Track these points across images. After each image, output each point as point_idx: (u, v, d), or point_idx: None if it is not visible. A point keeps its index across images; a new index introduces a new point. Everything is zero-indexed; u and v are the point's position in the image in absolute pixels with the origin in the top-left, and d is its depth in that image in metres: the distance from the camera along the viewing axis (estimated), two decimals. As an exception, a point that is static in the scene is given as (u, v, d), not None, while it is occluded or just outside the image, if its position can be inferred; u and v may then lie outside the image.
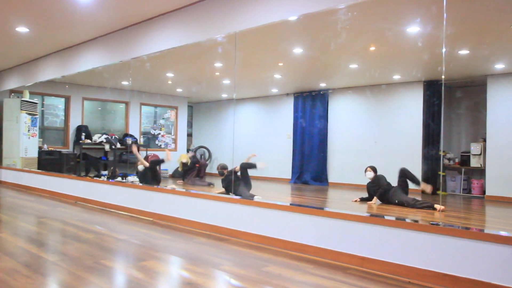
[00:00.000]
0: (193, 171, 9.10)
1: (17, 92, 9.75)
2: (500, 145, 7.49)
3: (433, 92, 8.13)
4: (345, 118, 9.65)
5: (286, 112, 10.69)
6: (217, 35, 4.91)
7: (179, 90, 11.24)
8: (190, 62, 7.36)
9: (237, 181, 6.36)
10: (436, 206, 5.73)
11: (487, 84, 7.65)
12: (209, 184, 8.76)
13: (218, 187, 7.56)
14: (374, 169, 6.62)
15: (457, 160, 8.46)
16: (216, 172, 7.12)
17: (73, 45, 7.47)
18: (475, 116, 8.43)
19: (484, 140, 7.82)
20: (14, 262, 3.16)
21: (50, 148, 9.70)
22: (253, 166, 6.56)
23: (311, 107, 10.13)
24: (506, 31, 5.27)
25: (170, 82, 10.10)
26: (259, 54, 6.76)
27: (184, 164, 9.14)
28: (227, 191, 6.47)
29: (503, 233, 2.77)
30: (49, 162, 9.30)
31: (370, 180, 6.61)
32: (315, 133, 9.99)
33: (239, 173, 6.42)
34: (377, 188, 6.41)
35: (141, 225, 4.99)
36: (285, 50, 6.51)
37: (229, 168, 6.70)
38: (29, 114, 9.37)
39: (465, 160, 8.24)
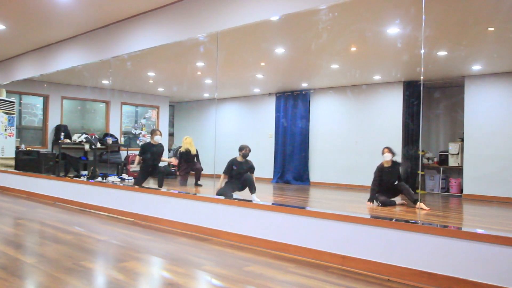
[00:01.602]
0: (188, 165, 8.59)
1: (-7, 90, 9.54)
2: (477, 144, 7.65)
3: (412, 92, 8.25)
4: (326, 118, 9.72)
5: (268, 112, 10.71)
6: (199, 34, 4.89)
7: (160, 89, 11.15)
8: (171, 61, 7.31)
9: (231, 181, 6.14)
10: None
11: (464, 85, 7.80)
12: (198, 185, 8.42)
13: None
14: (392, 151, 6.12)
15: (435, 160, 8.61)
16: (202, 172, 7.04)
17: (52, 43, 7.34)
18: (453, 116, 8.59)
19: (462, 140, 7.98)
20: (-10, 265, 3.09)
21: (28, 148, 9.51)
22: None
23: (292, 107, 10.18)
24: (483, 33, 5.38)
25: (151, 81, 10.01)
26: (241, 54, 6.76)
27: (187, 153, 8.48)
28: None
29: (480, 231, 2.84)
30: (27, 162, 9.11)
31: (387, 165, 6.19)
32: (297, 132, 10.04)
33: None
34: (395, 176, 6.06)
35: (122, 225, 4.94)
36: (267, 50, 6.52)
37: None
38: (6, 113, 9.16)
39: (443, 159, 8.39)
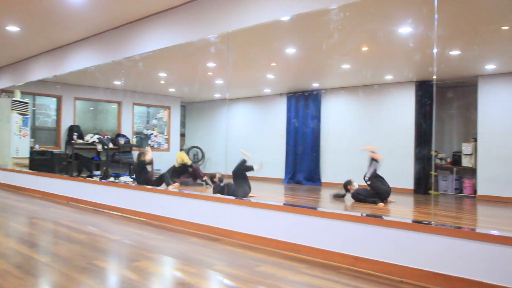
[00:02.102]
0: (186, 173, 8.98)
1: (8, 92, 9.68)
2: (491, 145, 7.55)
3: (424, 92, 8.18)
4: (337, 118, 9.69)
5: (279, 112, 10.71)
6: (210, 35, 4.91)
7: (171, 90, 11.21)
8: (183, 62, 7.35)
9: (232, 188, 6.22)
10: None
11: (478, 85, 7.71)
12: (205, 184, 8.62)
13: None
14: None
15: (448, 160, 8.53)
16: (211, 172, 7.09)
17: (64, 44, 7.43)
18: (466, 116, 8.50)
19: (475, 140, 7.88)
20: (6, 264, 3.14)
21: (41, 148, 9.64)
22: (249, 168, 6.39)
23: (304, 107, 10.16)
24: (497, 32, 5.32)
25: (162, 82, 10.07)
26: (252, 54, 6.77)
27: (182, 164, 8.89)
28: None
29: (494, 232, 2.80)
30: (40, 162, 9.23)
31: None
32: (308, 133, 10.02)
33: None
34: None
35: (134, 225, 4.97)
36: (278, 50, 6.52)
37: (220, 174, 6.65)
38: (21, 114, 9.29)
39: (456, 160, 8.30)
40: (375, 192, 6.43)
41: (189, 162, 8.83)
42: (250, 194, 6.28)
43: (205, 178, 8.69)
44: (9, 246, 3.75)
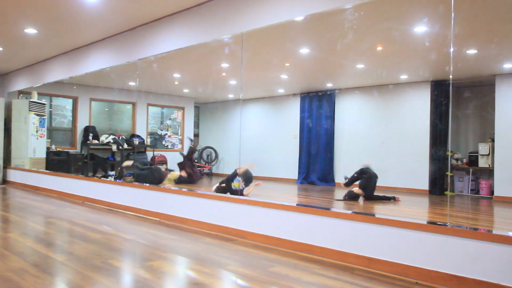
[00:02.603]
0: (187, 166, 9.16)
1: (25, 93, 9.84)
2: (508, 145, 7.43)
3: (440, 92, 8.08)
4: (352, 118, 9.62)
5: (292, 112, 10.69)
6: (224, 35, 4.92)
7: (185, 90, 11.27)
8: (196, 62, 7.38)
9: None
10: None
11: (495, 84, 7.59)
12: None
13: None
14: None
15: (465, 161, 8.41)
16: (224, 172, 7.13)
17: (80, 46, 7.52)
18: (483, 116, 8.36)
19: (493, 140, 7.76)
20: (23, 262, 3.19)
21: (58, 149, 9.77)
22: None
23: (317, 107, 10.12)
24: (515, 30, 5.22)
25: (176, 82, 10.13)
26: (266, 55, 6.76)
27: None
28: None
29: (511, 234, 2.75)
30: (57, 162, 9.36)
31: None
32: (322, 133, 9.97)
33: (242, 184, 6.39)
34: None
35: (148, 225, 5.01)
36: (292, 50, 6.51)
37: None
38: (37, 115, 9.44)
39: (473, 160, 8.18)
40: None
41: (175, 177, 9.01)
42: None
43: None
44: (26, 245, 3.81)
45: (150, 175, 7.10)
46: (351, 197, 6.73)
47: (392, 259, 3.19)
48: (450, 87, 3.89)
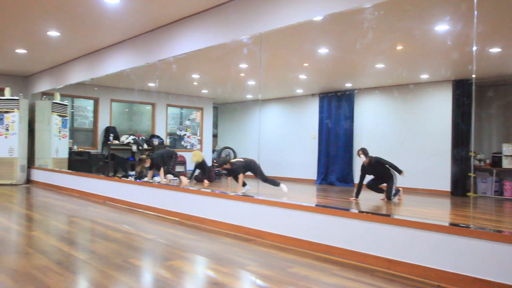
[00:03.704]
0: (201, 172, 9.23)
1: (48, 94, 10.04)
2: (533, 145, 7.24)
3: (462, 91, 7.94)
4: (371, 119, 9.53)
5: (311, 113, 10.64)
6: (242, 36, 4.93)
7: (204, 91, 11.33)
8: (215, 63, 7.42)
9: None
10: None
11: (520, 83, 7.42)
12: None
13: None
14: (365, 153, 6.63)
15: (488, 161, 8.24)
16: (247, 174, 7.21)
17: (101, 48, 7.64)
18: (507, 115, 8.18)
19: (517, 141, 7.58)
20: (47, 260, 3.26)
21: (79, 149, 9.94)
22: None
23: (336, 108, 10.05)
24: (540, 28, 5.10)
25: (195, 83, 10.19)
26: (284, 55, 6.75)
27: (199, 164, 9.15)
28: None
29: (537, 236, 2.68)
30: (78, 162, 9.53)
31: (366, 164, 6.60)
32: (341, 133, 9.90)
33: None
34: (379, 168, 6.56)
35: (168, 225, 5.05)
36: (311, 50, 6.48)
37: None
38: (60, 115, 9.63)
39: (496, 161, 8.01)
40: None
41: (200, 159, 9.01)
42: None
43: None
44: (49, 243, 3.89)
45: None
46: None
47: (413, 261, 3.15)
48: (473, 86, 3.80)
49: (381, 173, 6.57)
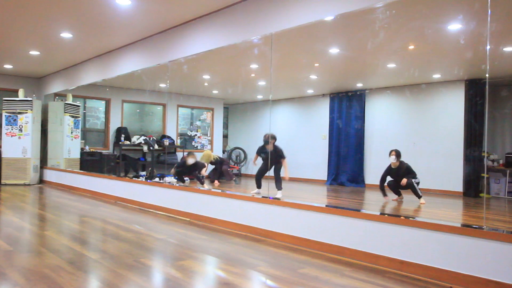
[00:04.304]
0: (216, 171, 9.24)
1: (61, 95, 10.15)
2: (548, 146, 7.13)
3: (475, 91, 7.84)
4: (382, 119, 9.46)
5: (322, 113, 10.60)
6: (253, 36, 4.93)
7: (215, 92, 11.35)
8: (226, 64, 7.43)
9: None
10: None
11: (534, 82, 7.31)
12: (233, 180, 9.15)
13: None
14: (397, 154, 6.55)
15: (501, 162, 8.13)
16: (253, 173, 7.19)
17: (113, 49, 7.70)
18: (521, 115, 8.06)
19: (531, 141, 7.47)
20: (59, 259, 3.29)
21: (91, 149, 10.03)
22: None
23: (347, 108, 10.00)
24: (555, 27, 5.01)
25: (206, 84, 10.22)
26: (295, 55, 6.74)
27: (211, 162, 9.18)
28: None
29: (553, 238, 2.64)
30: (90, 162, 9.61)
31: (394, 166, 6.57)
32: (352, 134, 9.85)
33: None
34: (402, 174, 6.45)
35: (178, 225, 5.07)
36: (321, 50, 6.45)
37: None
38: (72, 116, 9.72)
39: (510, 161, 7.89)
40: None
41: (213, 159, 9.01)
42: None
43: (234, 178, 9.22)
44: (62, 242, 3.93)
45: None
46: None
47: (425, 263, 3.12)
48: (487, 86, 3.76)
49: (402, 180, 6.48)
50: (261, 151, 6.84)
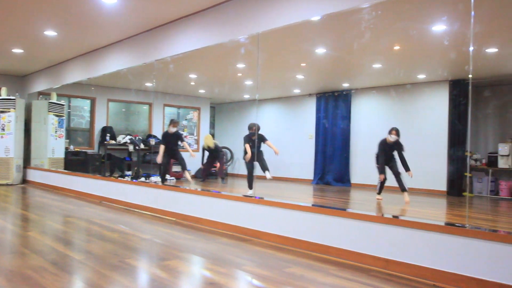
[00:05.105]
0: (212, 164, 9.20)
1: (45, 94, 10.01)
2: (529, 145, 7.26)
3: (459, 91, 7.95)
4: (368, 118, 9.53)
5: (308, 113, 10.64)
6: (240, 36, 4.92)
7: (201, 91, 11.32)
8: (212, 63, 7.41)
9: None
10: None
11: (516, 83, 7.44)
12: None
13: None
14: (398, 134, 6.62)
15: (484, 161, 8.26)
16: (240, 172, 7.19)
17: (98, 48, 7.62)
18: (503, 115, 8.20)
19: (513, 141, 7.61)
20: (42, 260, 3.24)
21: (76, 149, 9.91)
22: None
23: (333, 108, 10.06)
24: (536, 29, 5.11)
25: (193, 83, 10.18)
26: (282, 55, 6.75)
27: (209, 149, 9.13)
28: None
29: (533, 236, 2.69)
30: (75, 162, 9.50)
31: (389, 142, 6.62)
32: (338, 133, 9.91)
33: None
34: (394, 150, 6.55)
35: (164, 225, 5.04)
36: (308, 50, 6.48)
37: None
38: (56, 115, 9.60)
39: (492, 161, 8.03)
40: None
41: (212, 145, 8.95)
42: None
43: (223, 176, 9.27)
44: (45, 243, 3.87)
45: None
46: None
47: (410, 261, 3.15)
48: (470, 87, 3.81)
49: (392, 160, 6.59)
50: (249, 140, 6.92)
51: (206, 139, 8.90)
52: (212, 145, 8.80)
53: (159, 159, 6.96)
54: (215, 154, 8.93)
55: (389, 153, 6.63)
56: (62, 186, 8.46)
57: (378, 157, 6.73)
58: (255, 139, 6.69)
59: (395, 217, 3.37)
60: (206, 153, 9.10)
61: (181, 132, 7.66)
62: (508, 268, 2.69)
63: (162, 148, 6.97)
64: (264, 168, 6.66)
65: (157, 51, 6.25)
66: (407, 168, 6.39)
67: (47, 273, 2.90)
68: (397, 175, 6.43)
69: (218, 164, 8.95)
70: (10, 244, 3.85)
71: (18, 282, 2.71)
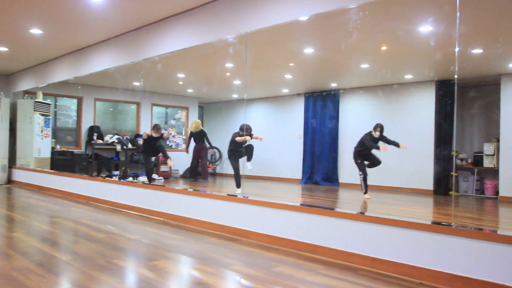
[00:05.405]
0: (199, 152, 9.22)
1: (30, 93, 9.88)
2: (514, 145, 7.38)
3: (445, 91, 8.05)
4: (356, 118, 9.59)
5: (296, 112, 10.66)
6: (228, 35, 4.92)
7: (190, 90, 11.27)
8: (201, 62, 7.38)
9: None
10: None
11: (501, 84, 7.54)
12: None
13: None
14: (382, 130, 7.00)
15: (469, 161, 8.37)
16: (228, 172, 7.23)
17: (85, 46, 7.55)
18: (488, 115, 8.32)
19: (498, 140, 7.72)
20: (28, 261, 3.20)
21: (62, 149, 9.80)
22: None
23: (322, 107, 10.09)
24: (521, 30, 5.19)
25: (181, 82, 10.14)
26: (270, 55, 6.76)
27: (194, 133, 9.13)
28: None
29: (517, 234, 2.73)
30: (61, 162, 9.40)
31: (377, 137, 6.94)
32: (326, 133, 9.95)
33: None
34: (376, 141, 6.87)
35: (152, 225, 5.02)
36: (296, 50, 6.50)
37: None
38: (42, 115, 9.48)
39: (478, 160, 8.14)
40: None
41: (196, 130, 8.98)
42: None
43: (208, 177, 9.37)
44: (31, 244, 3.83)
45: None
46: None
47: (396, 260, 3.18)
48: (455, 87, 3.86)
49: (371, 154, 6.89)
50: (237, 135, 7.13)
51: (194, 122, 8.90)
52: (198, 129, 8.87)
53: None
54: (201, 139, 8.98)
55: (371, 147, 6.92)
56: (49, 186, 8.37)
57: (358, 152, 7.02)
58: (243, 134, 6.82)
59: (382, 216, 3.40)
60: (192, 144, 9.13)
61: (164, 131, 7.75)
62: (493, 266, 2.73)
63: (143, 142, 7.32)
64: (250, 158, 6.90)
65: (145, 50, 6.21)
66: (397, 145, 6.74)
67: (33, 275, 2.87)
68: (371, 167, 6.83)
69: (202, 157, 8.97)
70: (-5, 245, 3.80)
71: (3, 284, 2.67)
